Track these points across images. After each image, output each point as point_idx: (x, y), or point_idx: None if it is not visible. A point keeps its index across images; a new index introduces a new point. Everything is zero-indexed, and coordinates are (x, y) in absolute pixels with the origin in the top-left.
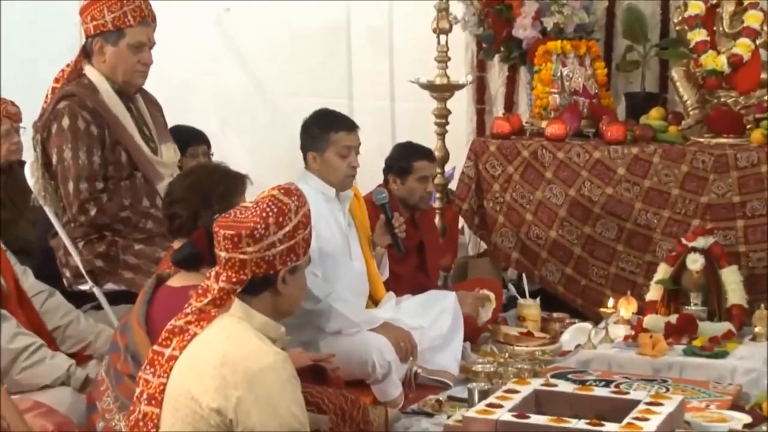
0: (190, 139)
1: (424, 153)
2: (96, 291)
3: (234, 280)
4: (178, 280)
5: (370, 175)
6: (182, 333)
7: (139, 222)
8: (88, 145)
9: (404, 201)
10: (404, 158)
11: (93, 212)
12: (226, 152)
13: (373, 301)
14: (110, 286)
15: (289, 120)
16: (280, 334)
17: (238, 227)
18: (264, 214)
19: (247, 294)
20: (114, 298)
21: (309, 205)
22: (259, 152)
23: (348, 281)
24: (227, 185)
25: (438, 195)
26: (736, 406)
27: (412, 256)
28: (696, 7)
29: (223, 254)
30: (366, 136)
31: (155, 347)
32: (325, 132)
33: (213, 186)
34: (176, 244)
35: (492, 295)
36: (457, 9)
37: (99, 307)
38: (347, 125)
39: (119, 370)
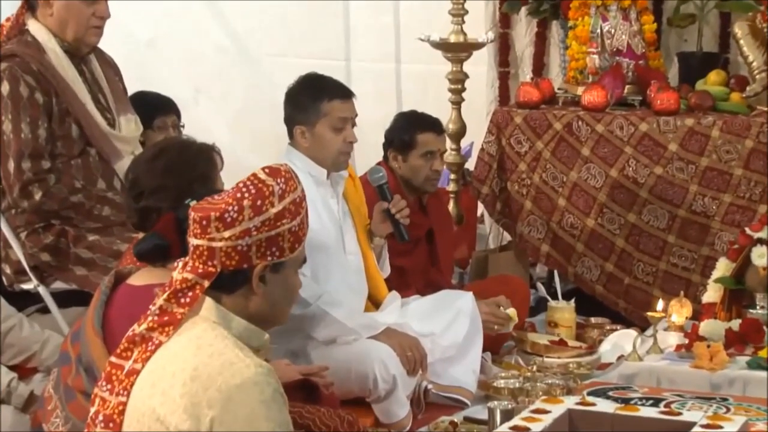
0: (155, 108)
1: (429, 123)
2: (42, 291)
3: (200, 271)
4: (142, 278)
5: (370, 151)
6: (144, 342)
7: (94, 208)
8: (32, 116)
9: (408, 182)
10: (406, 130)
11: (38, 196)
12: (199, 124)
13: (373, 302)
14: (59, 284)
15: (274, 85)
16: (263, 343)
17: (208, 209)
18: (239, 195)
19: (218, 291)
20: (64, 299)
21: (303, 192)
22: (239, 124)
23: (343, 279)
24: (206, 163)
25: (452, 176)
26: None
27: (420, 247)
28: None
29: (192, 241)
30: (366, 105)
31: (113, 359)
32: (316, 101)
33: (191, 168)
34: (140, 234)
35: (513, 313)
36: None
37: (46, 310)
38: (342, 92)
39: (70, 386)
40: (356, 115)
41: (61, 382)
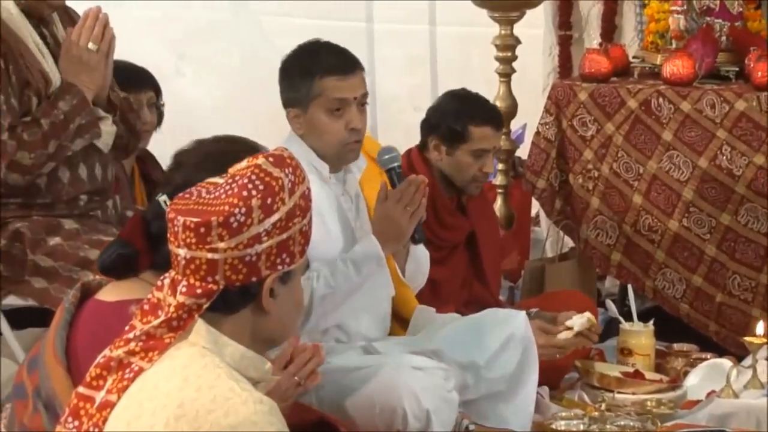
0: (127, 81)
1: (488, 115)
2: None
3: (199, 291)
4: (115, 292)
5: (397, 132)
6: (121, 368)
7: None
8: (1, 83)
9: (447, 178)
10: (457, 117)
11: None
12: (182, 101)
13: (399, 320)
14: (12, 300)
15: (277, 52)
16: (264, 373)
17: (205, 212)
18: (245, 193)
19: (217, 312)
20: (18, 319)
21: (308, 181)
22: (233, 100)
23: (358, 300)
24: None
25: (501, 166)
26: None
27: (459, 256)
28: None
29: (182, 252)
30: (393, 77)
31: (81, 390)
32: (306, 77)
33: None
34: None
35: (591, 318)
36: None
37: None
38: (339, 66)
39: (27, 425)
40: (364, 94)
41: (16, 420)
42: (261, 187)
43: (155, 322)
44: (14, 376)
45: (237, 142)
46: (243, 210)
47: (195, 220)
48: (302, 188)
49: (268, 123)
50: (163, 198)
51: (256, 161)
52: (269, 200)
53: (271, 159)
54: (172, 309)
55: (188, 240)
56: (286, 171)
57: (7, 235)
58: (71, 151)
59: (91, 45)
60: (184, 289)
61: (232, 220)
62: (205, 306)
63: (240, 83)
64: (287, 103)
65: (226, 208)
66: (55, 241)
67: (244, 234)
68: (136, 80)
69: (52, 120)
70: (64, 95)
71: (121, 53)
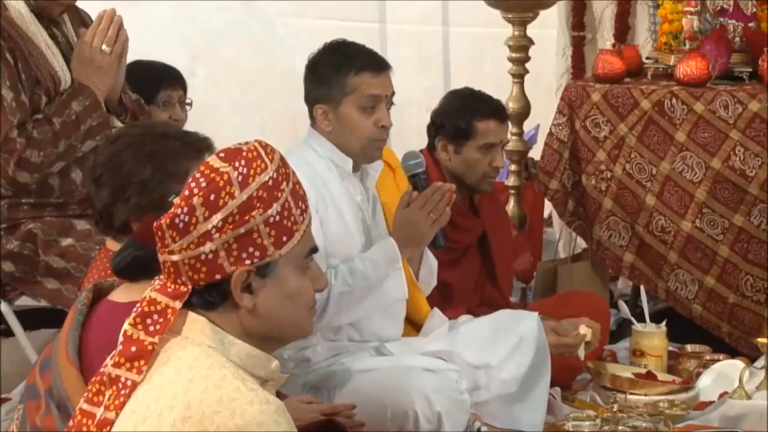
0: (160, 79)
1: (491, 108)
2: (4, 308)
3: (170, 290)
4: (127, 293)
5: (410, 135)
6: (113, 383)
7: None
8: (11, 78)
9: (458, 178)
10: (461, 114)
11: (39, 161)
12: (195, 101)
13: (412, 323)
14: (24, 301)
15: (289, 53)
16: (270, 372)
17: (161, 217)
18: (187, 193)
19: (200, 311)
20: (30, 320)
21: (282, 170)
22: (247, 101)
23: (373, 300)
24: (158, 166)
25: (513, 167)
26: None
27: (470, 257)
28: None
29: (159, 257)
30: (405, 78)
31: (84, 405)
32: (340, 74)
33: (135, 166)
34: (111, 244)
35: (590, 333)
36: None
37: (8, 333)
38: (374, 63)
39: (38, 426)
40: (392, 93)
41: (28, 421)
42: (203, 184)
43: (129, 319)
44: (26, 377)
45: (143, 142)
46: (185, 210)
47: (155, 225)
48: (262, 178)
49: (281, 123)
50: (175, 199)
51: (207, 159)
52: (212, 196)
53: (221, 154)
54: (144, 303)
55: (158, 245)
56: (237, 164)
57: (19, 236)
58: (81, 152)
59: (104, 47)
60: (158, 287)
61: (177, 221)
62: (178, 307)
63: (253, 84)
64: (316, 100)
65: (172, 209)
66: (67, 241)
67: (192, 233)
68: (169, 78)
69: (64, 119)
70: (77, 95)
71: (135, 53)
